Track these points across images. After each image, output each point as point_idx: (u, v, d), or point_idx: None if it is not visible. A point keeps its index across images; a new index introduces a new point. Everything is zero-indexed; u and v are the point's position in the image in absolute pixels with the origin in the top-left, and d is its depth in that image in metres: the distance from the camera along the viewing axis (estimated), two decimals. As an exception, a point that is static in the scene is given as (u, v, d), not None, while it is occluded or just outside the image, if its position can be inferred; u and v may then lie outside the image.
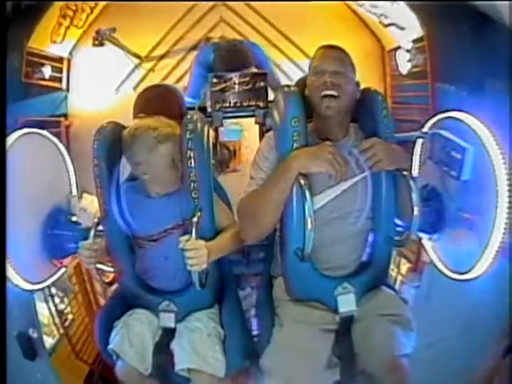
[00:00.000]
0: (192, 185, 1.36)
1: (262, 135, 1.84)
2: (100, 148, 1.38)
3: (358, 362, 1.32)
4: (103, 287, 2.54)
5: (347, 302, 1.37)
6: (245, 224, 1.39)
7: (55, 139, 1.73)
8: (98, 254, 1.41)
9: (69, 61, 3.11)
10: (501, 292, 1.60)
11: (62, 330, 2.30)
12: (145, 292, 1.46)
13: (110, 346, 1.38)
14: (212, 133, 1.70)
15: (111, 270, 1.52)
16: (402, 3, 2.51)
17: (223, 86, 1.70)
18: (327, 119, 1.39)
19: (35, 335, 1.79)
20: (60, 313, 2.34)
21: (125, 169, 1.48)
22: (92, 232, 1.40)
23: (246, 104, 1.73)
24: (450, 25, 2.15)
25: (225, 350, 1.40)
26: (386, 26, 2.88)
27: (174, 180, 1.41)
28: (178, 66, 2.99)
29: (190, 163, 1.35)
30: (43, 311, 2.22)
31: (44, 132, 1.68)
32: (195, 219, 1.31)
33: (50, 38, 2.82)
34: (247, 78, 1.70)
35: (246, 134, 2.45)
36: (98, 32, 2.55)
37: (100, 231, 1.42)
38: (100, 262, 1.45)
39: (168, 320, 1.43)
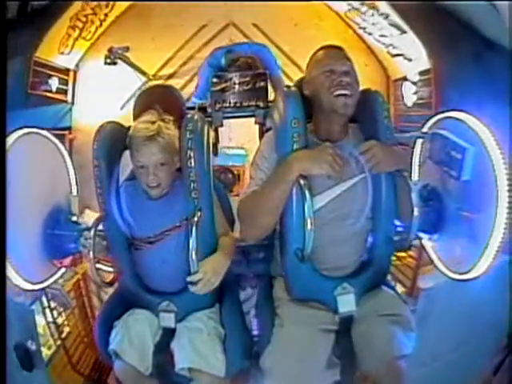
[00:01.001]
0: (192, 185, 1.36)
1: (261, 135, 1.84)
2: (100, 148, 1.38)
3: (357, 362, 1.32)
4: (100, 296, 2.55)
5: (347, 303, 1.38)
6: (244, 224, 1.40)
7: (55, 139, 1.73)
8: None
9: (75, 73, 3.12)
10: (501, 292, 1.60)
11: (59, 342, 2.32)
12: (144, 292, 1.46)
13: (111, 347, 1.38)
14: (212, 133, 1.70)
15: (111, 270, 1.52)
16: (411, 34, 2.50)
17: (223, 85, 1.70)
18: (335, 118, 1.38)
19: (33, 347, 1.78)
20: (57, 325, 2.36)
21: (125, 169, 1.48)
22: (92, 232, 1.40)
23: (246, 104, 1.73)
24: (454, 56, 2.16)
25: (225, 350, 1.40)
26: (394, 56, 2.88)
27: (171, 179, 1.41)
28: (186, 86, 2.99)
29: (190, 163, 1.35)
30: (41, 323, 2.24)
31: (44, 132, 1.68)
32: (195, 219, 1.31)
33: (58, 49, 2.81)
34: (247, 78, 1.70)
35: (250, 158, 2.43)
36: (110, 50, 2.52)
37: (100, 231, 1.42)
38: (100, 262, 1.46)
39: (168, 320, 1.43)
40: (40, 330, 2.18)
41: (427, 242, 1.66)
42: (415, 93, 2.69)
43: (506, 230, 1.39)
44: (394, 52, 2.87)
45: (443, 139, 1.51)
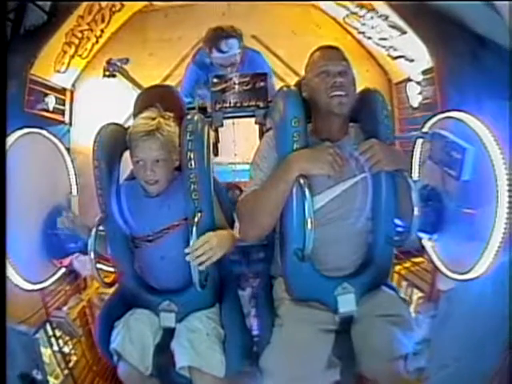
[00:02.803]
0: (192, 186, 1.35)
1: (261, 135, 1.84)
2: (100, 149, 1.38)
3: (357, 362, 1.32)
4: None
5: (347, 302, 1.37)
6: (244, 224, 1.40)
7: (55, 139, 1.73)
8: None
9: (72, 92, 3.05)
10: (501, 292, 1.59)
11: (66, 371, 2.28)
12: (145, 292, 1.46)
13: (112, 346, 1.38)
14: (212, 133, 1.70)
15: (111, 269, 1.52)
16: (412, 34, 2.47)
17: (223, 86, 1.70)
18: (333, 118, 1.39)
19: (39, 376, 1.76)
20: (64, 354, 2.32)
21: (125, 170, 1.48)
22: (93, 232, 1.40)
23: (245, 104, 1.73)
24: (455, 52, 2.15)
25: (225, 350, 1.40)
26: (395, 58, 2.85)
27: (170, 177, 1.41)
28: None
29: (190, 164, 1.34)
30: (47, 352, 2.21)
31: (44, 132, 1.68)
32: (195, 220, 1.31)
33: (53, 67, 2.75)
34: (247, 79, 1.70)
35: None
36: (109, 62, 2.46)
37: (101, 231, 1.42)
38: (100, 262, 1.46)
39: (168, 320, 1.44)
40: (46, 359, 2.15)
41: (427, 241, 1.67)
42: (420, 93, 2.67)
43: (506, 230, 1.39)
44: (395, 54, 2.84)
45: (443, 139, 1.51)
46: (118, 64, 2.42)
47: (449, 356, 1.73)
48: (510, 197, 1.38)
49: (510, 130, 1.54)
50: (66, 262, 1.72)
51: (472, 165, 1.44)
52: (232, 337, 1.43)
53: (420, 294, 2.40)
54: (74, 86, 3.06)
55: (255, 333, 1.50)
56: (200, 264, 1.27)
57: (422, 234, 1.62)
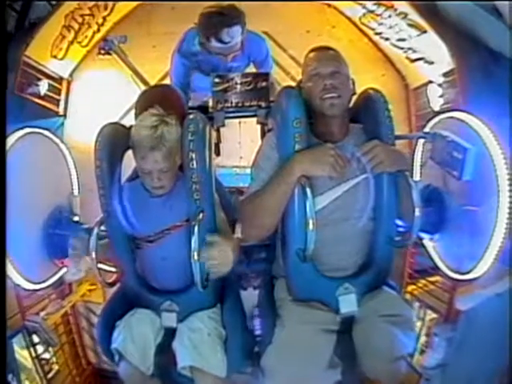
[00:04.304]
0: (194, 186, 1.35)
1: (263, 135, 1.84)
2: (101, 149, 1.38)
3: (359, 362, 1.33)
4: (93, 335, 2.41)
5: (348, 303, 1.37)
6: (245, 225, 1.39)
7: (57, 139, 1.73)
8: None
9: (68, 83, 2.95)
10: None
11: (45, 381, 2.20)
12: (147, 291, 1.46)
13: (114, 345, 1.38)
14: (214, 133, 1.70)
15: (113, 269, 1.52)
16: (432, 34, 2.39)
17: (225, 86, 1.70)
18: (329, 119, 1.39)
19: (14, 382, 1.72)
20: (43, 361, 2.22)
21: (126, 169, 1.48)
22: (94, 231, 1.40)
23: (247, 104, 1.73)
24: (477, 53, 2.09)
25: (226, 350, 1.40)
26: (413, 61, 2.75)
27: (175, 179, 1.41)
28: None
29: (192, 165, 1.34)
30: (27, 358, 2.12)
31: (45, 132, 1.68)
32: (197, 220, 1.31)
33: (50, 51, 2.64)
34: (249, 78, 1.70)
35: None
36: (105, 39, 2.33)
37: (102, 231, 1.42)
38: (102, 262, 1.45)
39: (170, 320, 1.43)
40: (27, 364, 2.07)
41: (428, 242, 1.67)
42: (441, 96, 2.56)
43: (507, 230, 1.39)
44: (414, 56, 2.73)
45: (445, 139, 1.51)
46: (115, 42, 2.31)
47: (474, 374, 1.68)
48: (511, 197, 1.38)
49: (511, 130, 1.54)
50: (67, 261, 1.72)
51: (473, 165, 1.44)
52: (233, 337, 1.43)
53: (433, 316, 2.33)
54: (71, 75, 2.95)
55: (257, 333, 1.50)
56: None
57: (423, 234, 1.62)
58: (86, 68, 2.99)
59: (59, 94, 2.90)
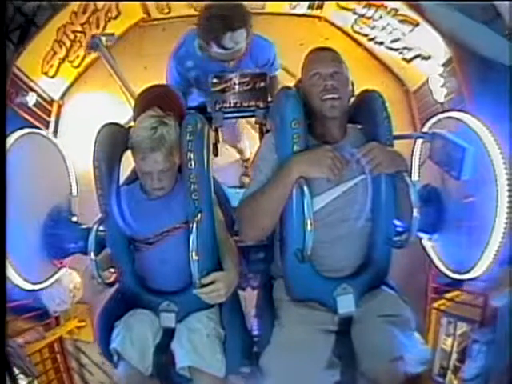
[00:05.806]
0: (192, 186, 1.35)
1: (262, 135, 1.84)
2: (100, 150, 1.38)
3: (357, 362, 1.32)
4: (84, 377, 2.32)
5: (346, 303, 1.37)
6: (244, 225, 1.40)
7: (56, 140, 1.74)
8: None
9: (59, 106, 2.94)
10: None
11: None
12: (145, 292, 1.46)
13: (113, 345, 1.38)
14: (212, 134, 1.70)
15: (112, 270, 1.52)
16: (425, 25, 2.39)
17: (223, 86, 1.69)
18: (329, 120, 1.39)
19: None
20: None
21: (125, 169, 1.48)
22: (93, 232, 1.40)
23: (246, 104, 1.72)
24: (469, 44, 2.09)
25: (225, 351, 1.40)
26: (410, 60, 2.75)
27: (174, 180, 1.41)
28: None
29: (190, 165, 1.34)
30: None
31: (44, 132, 1.69)
32: (196, 221, 1.31)
33: (41, 67, 2.65)
34: (247, 79, 1.69)
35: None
36: (93, 36, 2.37)
37: (101, 231, 1.42)
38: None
39: (168, 320, 1.44)
40: None
41: (427, 242, 1.67)
42: (443, 85, 2.54)
43: (506, 230, 1.39)
44: (410, 55, 2.74)
45: (443, 139, 1.51)
46: (103, 39, 2.33)
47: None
48: (509, 196, 1.38)
49: (510, 130, 1.54)
50: (66, 261, 1.72)
51: (472, 165, 1.44)
52: (232, 337, 1.43)
53: (464, 329, 2.25)
54: (62, 98, 2.96)
55: (255, 333, 1.50)
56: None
57: (422, 234, 1.62)
58: (77, 91, 2.99)
59: (49, 116, 2.90)
